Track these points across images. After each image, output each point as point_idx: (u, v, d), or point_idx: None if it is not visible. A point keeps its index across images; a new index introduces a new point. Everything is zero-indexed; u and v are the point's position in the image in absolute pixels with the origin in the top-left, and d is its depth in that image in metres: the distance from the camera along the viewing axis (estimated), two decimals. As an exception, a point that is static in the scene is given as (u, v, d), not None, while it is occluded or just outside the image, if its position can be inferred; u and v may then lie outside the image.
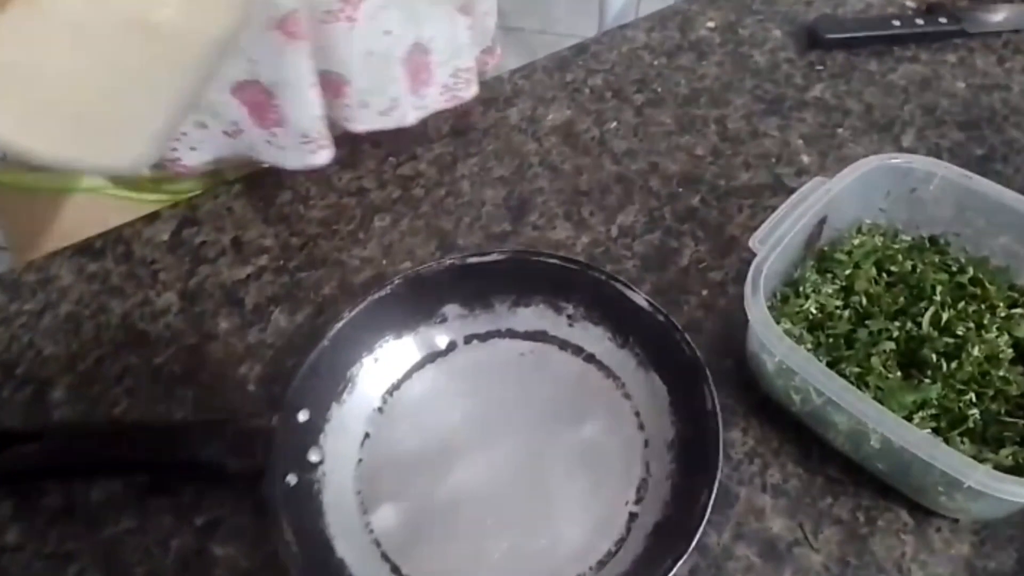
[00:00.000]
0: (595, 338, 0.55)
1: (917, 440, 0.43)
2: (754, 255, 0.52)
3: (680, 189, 0.66)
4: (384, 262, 0.63)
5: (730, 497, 0.50)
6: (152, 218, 0.66)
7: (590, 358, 0.55)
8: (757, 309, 0.48)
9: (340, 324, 0.52)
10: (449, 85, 0.68)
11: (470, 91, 0.70)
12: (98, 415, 0.54)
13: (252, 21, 0.51)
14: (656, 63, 0.77)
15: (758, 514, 0.49)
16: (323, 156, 0.64)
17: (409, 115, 0.67)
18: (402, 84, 0.64)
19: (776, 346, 0.47)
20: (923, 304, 0.53)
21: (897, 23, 0.77)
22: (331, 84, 0.62)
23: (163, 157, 0.63)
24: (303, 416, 0.49)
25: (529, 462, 0.51)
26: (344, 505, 0.48)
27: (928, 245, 0.58)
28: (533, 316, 0.56)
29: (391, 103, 0.65)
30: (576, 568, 0.46)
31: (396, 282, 0.54)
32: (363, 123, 0.65)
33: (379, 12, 0.60)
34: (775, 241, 0.51)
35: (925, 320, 0.53)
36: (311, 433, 0.49)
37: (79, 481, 0.51)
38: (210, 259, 0.63)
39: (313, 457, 0.49)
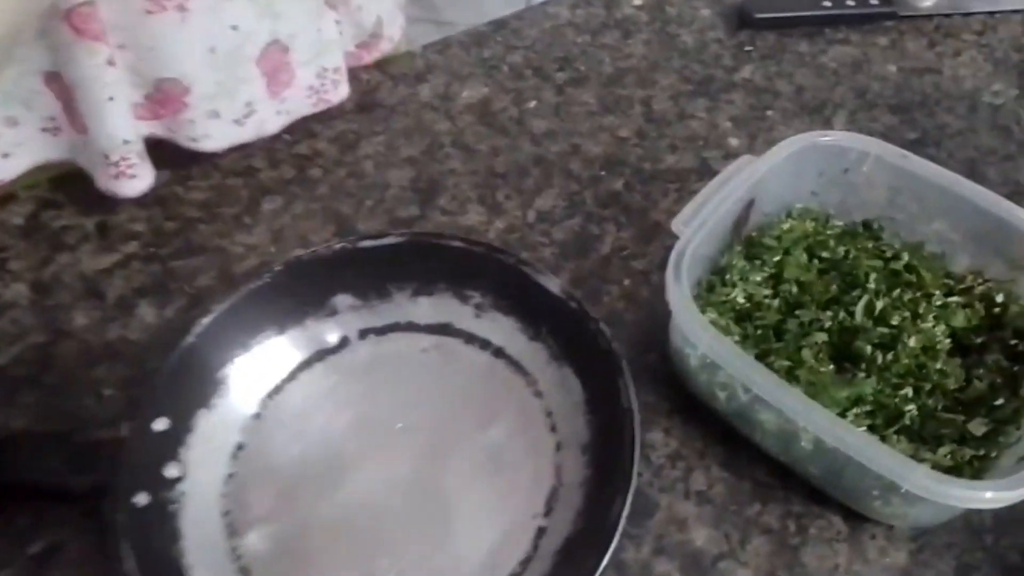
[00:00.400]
0: (504, 330, 0.50)
1: (851, 439, 0.39)
2: (677, 240, 0.47)
3: (603, 172, 0.62)
4: (272, 249, 0.56)
5: (650, 506, 0.45)
6: (6, 200, 0.57)
7: (499, 352, 0.49)
8: (679, 297, 0.43)
9: (209, 319, 0.45)
10: (315, 87, 0.60)
11: (339, 92, 0.62)
12: (-78, 425, 0.46)
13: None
14: (580, 40, 0.72)
15: (680, 525, 0.44)
16: (129, 187, 0.54)
17: (269, 123, 0.59)
18: (257, 86, 0.56)
19: (699, 337, 0.42)
20: (856, 292, 0.50)
21: (828, 4, 0.74)
22: (168, 96, 0.52)
23: None
24: (160, 425, 0.42)
25: (427, 472, 0.45)
26: (207, 528, 0.41)
27: (861, 230, 0.54)
28: (436, 306, 0.50)
29: (246, 109, 0.56)
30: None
31: (277, 269, 0.48)
32: (215, 139, 0.56)
33: (221, 3, 0.51)
34: (699, 223, 0.47)
35: (859, 309, 0.49)
36: (169, 445, 0.42)
37: None
38: (70, 245, 0.55)
39: (171, 472, 0.42)
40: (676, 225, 0.47)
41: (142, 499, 0.39)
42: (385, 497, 0.44)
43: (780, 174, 0.51)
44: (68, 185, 0.58)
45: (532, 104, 0.66)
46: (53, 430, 0.45)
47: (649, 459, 0.46)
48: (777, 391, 0.41)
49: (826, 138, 0.52)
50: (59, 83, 0.50)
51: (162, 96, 0.52)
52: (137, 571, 0.36)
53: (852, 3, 0.74)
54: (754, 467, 0.46)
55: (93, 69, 0.48)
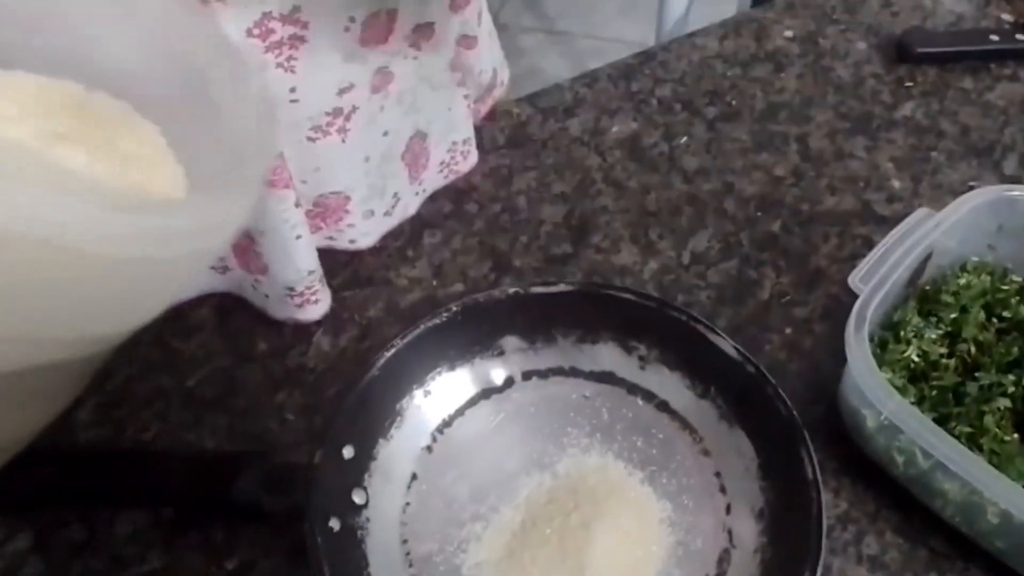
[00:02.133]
0: (670, 384, 0.50)
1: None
2: (849, 292, 0.46)
3: (759, 213, 0.61)
4: (435, 283, 0.58)
5: (822, 569, 0.44)
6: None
7: (663, 406, 0.50)
8: (861, 359, 0.43)
9: (391, 352, 0.47)
10: (447, 161, 0.61)
11: (469, 162, 0.63)
12: (125, 439, 0.50)
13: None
14: (730, 74, 0.71)
15: (853, 590, 0.44)
16: (312, 312, 0.54)
17: (411, 206, 0.60)
18: (402, 178, 0.57)
19: (882, 400, 0.42)
20: (1042, 355, 0.48)
21: (995, 38, 0.71)
22: (328, 209, 0.54)
23: None
24: (348, 452, 0.44)
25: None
26: (389, 555, 0.44)
27: (1044, 286, 0.52)
28: (600, 355, 0.50)
29: (393, 200, 0.58)
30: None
31: (453, 309, 0.49)
32: (370, 235, 0.58)
33: (376, 116, 0.52)
34: (880, 280, 0.46)
35: (1045, 374, 0.47)
36: (356, 472, 0.45)
37: (102, 512, 0.47)
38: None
39: (357, 499, 0.44)
40: (853, 282, 0.46)
41: (335, 524, 0.42)
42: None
43: (959, 228, 0.50)
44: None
45: (683, 140, 0.66)
46: (246, 451, 0.49)
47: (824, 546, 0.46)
48: (964, 462, 0.40)
49: (1013, 192, 0.50)
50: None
51: (323, 210, 0.54)
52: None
53: (1022, 37, 0.71)
54: (930, 535, 0.45)
55: (282, 214, 0.49)
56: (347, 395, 0.46)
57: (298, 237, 0.50)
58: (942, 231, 0.48)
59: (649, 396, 0.50)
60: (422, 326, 0.49)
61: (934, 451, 0.40)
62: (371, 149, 0.53)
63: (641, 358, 0.50)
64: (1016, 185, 0.51)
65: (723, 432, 0.47)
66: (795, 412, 0.44)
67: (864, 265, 0.47)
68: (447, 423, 0.49)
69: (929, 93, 0.69)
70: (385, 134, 0.53)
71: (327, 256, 0.57)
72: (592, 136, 0.67)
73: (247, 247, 0.51)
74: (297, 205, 0.50)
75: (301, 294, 0.53)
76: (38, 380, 0.30)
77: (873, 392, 0.42)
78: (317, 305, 0.55)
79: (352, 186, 0.54)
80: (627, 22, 2.02)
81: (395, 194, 0.57)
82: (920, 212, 0.49)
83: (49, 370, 0.29)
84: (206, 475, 0.45)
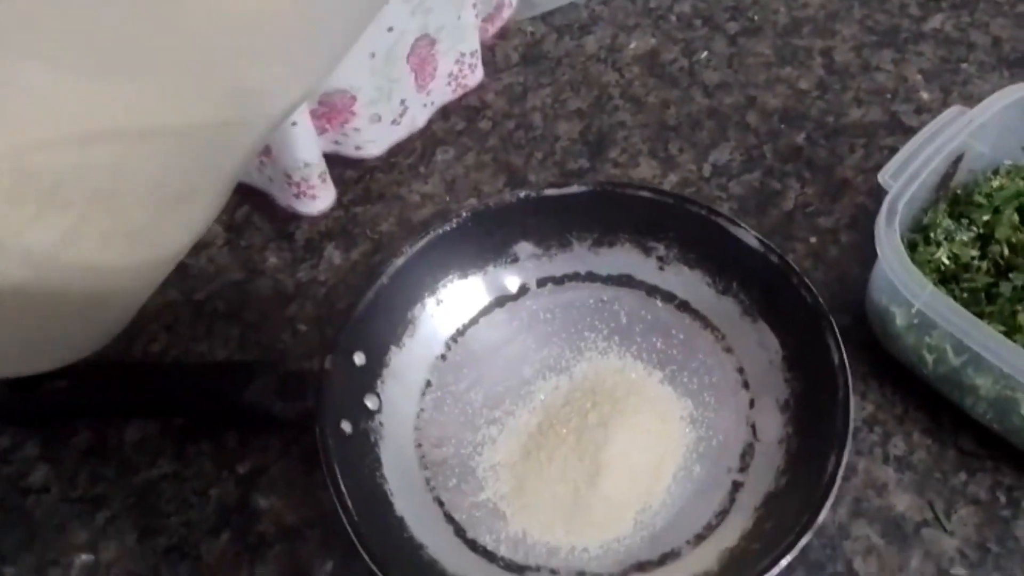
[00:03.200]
0: (690, 283, 0.48)
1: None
2: (876, 201, 0.45)
3: (782, 126, 0.59)
4: (447, 198, 0.56)
5: (846, 469, 0.42)
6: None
7: (683, 306, 0.48)
8: (893, 251, 0.41)
9: (401, 260, 0.46)
10: (455, 73, 0.59)
11: (476, 76, 0.61)
12: (135, 351, 0.50)
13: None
14: (751, -10, 0.69)
15: (879, 489, 0.42)
16: (309, 205, 0.54)
17: (419, 117, 0.58)
18: (408, 83, 0.55)
19: (915, 292, 0.40)
20: (1078, 256, 0.46)
21: (1031, -53, 0.67)
22: (334, 108, 0.52)
23: None
24: (359, 359, 0.43)
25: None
26: (403, 459, 0.43)
27: (1081, 189, 0.49)
28: (617, 257, 0.49)
29: (401, 108, 0.56)
30: (673, 540, 0.40)
31: (464, 215, 0.48)
32: (377, 143, 0.56)
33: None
34: (911, 175, 0.44)
35: (1082, 273, 0.45)
36: (368, 378, 0.44)
37: (112, 421, 0.46)
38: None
39: (370, 404, 0.43)
40: (883, 178, 0.45)
41: (347, 427, 0.41)
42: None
43: (992, 128, 0.48)
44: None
45: (703, 55, 0.64)
46: (257, 359, 0.48)
47: (851, 428, 0.44)
48: (1001, 349, 0.38)
49: (1049, 87, 0.47)
50: None
51: (328, 109, 0.53)
52: (349, 494, 0.37)
53: (1058, -54, 0.67)
54: (959, 435, 0.44)
55: None
56: (357, 303, 0.45)
57: (294, 124, 0.49)
58: (975, 128, 0.46)
59: (669, 297, 0.49)
60: (432, 233, 0.47)
61: (969, 340, 0.39)
62: (376, 45, 0.51)
63: (660, 258, 0.49)
64: (1053, 80, 0.48)
65: (746, 327, 0.46)
66: (821, 300, 0.43)
67: (895, 162, 0.45)
68: (461, 332, 0.48)
69: (959, 5, 0.66)
70: (390, 30, 0.51)
71: (338, 167, 0.56)
72: (609, 53, 0.65)
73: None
74: None
75: (298, 184, 0.53)
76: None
77: (905, 284, 0.40)
78: (314, 201, 0.54)
79: (357, 85, 0.52)
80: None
81: (402, 101, 0.56)
82: (953, 110, 0.47)
83: None
84: (217, 383, 0.45)
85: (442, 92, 0.60)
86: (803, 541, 0.35)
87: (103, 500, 0.44)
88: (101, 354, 0.49)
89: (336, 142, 0.55)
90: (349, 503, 0.37)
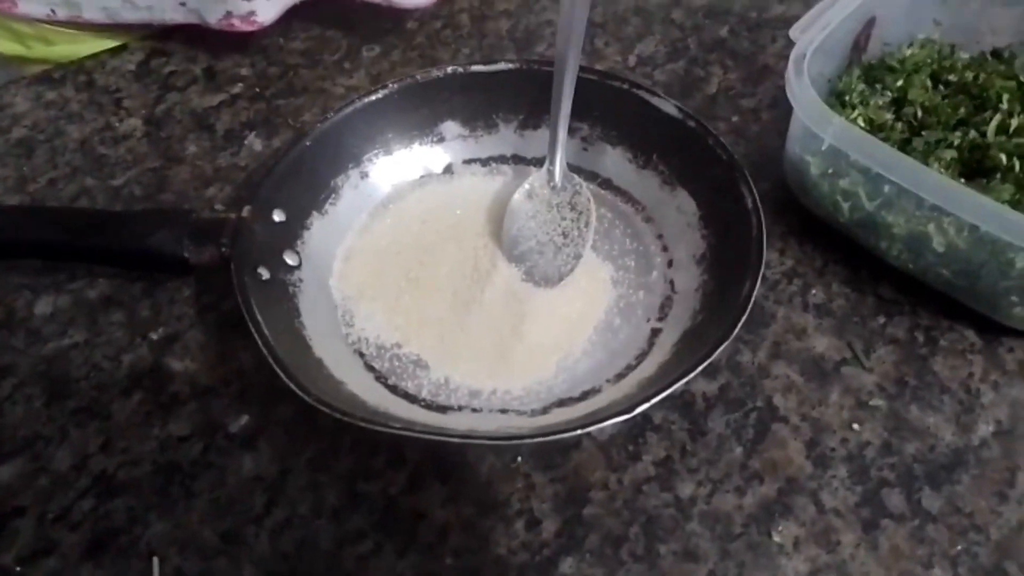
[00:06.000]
0: (612, 160, 0.48)
1: (997, 210, 0.36)
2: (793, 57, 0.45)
3: (706, 21, 0.60)
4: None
5: (765, 317, 0.43)
6: (118, 50, 0.59)
7: (606, 184, 0.48)
8: (802, 91, 0.41)
9: (324, 125, 0.46)
10: None
11: None
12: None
13: None
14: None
15: (799, 333, 0.43)
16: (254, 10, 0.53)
17: None
18: None
19: (825, 128, 0.41)
20: (987, 114, 0.47)
21: None
22: None
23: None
24: (279, 216, 0.43)
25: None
26: (322, 315, 0.42)
27: (990, 59, 0.51)
28: (543, 140, 0.49)
29: None
30: (594, 381, 0.40)
31: (390, 86, 0.47)
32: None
33: None
34: (818, 28, 0.44)
35: (991, 128, 0.46)
36: (287, 236, 0.43)
37: (19, 295, 0.44)
38: (180, 87, 0.56)
39: (289, 260, 0.42)
40: (793, 32, 0.45)
41: (264, 273, 0.40)
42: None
43: (902, -5, 0.49)
44: (174, 40, 0.59)
45: (630, -39, 0.65)
46: (168, 208, 0.46)
47: (763, 273, 0.45)
48: (916, 172, 0.39)
49: (955, -46, 0.49)
50: None
51: None
52: (262, 321, 0.36)
53: None
54: (878, 283, 0.44)
55: None
56: (279, 161, 0.44)
57: None
58: (883, -12, 0.47)
59: (592, 176, 0.49)
60: (358, 102, 0.47)
61: (876, 164, 0.39)
62: None
63: (584, 139, 0.49)
64: (959, -52, 0.50)
65: (665, 196, 0.46)
66: (735, 155, 0.43)
67: (805, 19, 0.45)
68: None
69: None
70: None
71: (262, 64, 0.55)
72: (537, -39, 0.65)
73: None
74: None
75: None
76: None
77: (816, 120, 0.41)
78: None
79: None
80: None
81: None
82: (862, -27, 0.48)
83: None
84: (127, 228, 0.43)
85: None
86: (718, 351, 0.35)
87: (9, 369, 0.42)
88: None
89: None
90: (266, 331, 0.36)
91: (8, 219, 0.43)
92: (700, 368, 0.34)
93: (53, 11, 0.56)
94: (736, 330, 0.36)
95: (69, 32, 0.58)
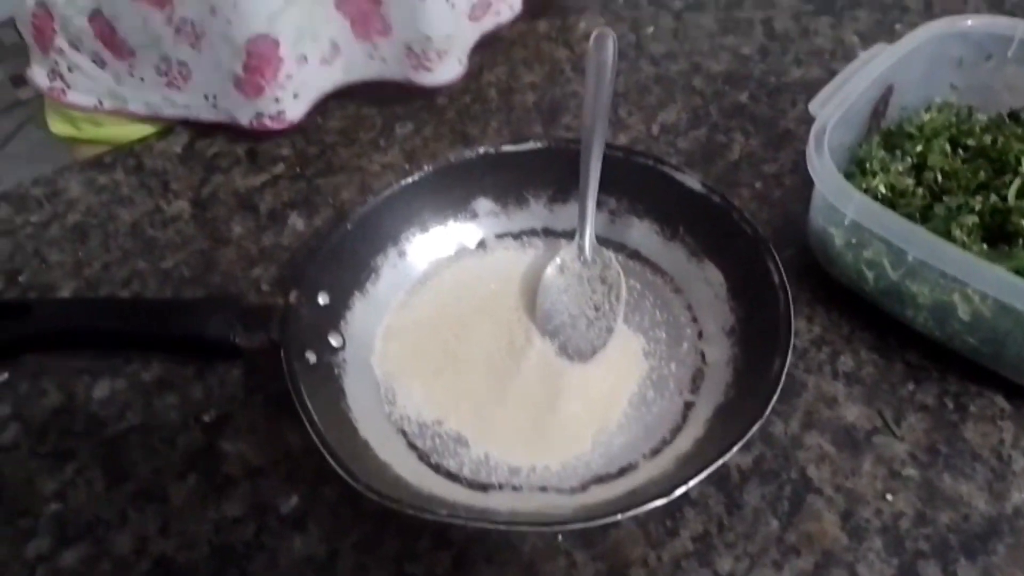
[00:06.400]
0: (640, 233, 0.50)
1: (1018, 285, 0.37)
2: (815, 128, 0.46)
3: (726, 87, 0.61)
4: (407, 167, 0.58)
5: (796, 386, 0.44)
6: (164, 133, 0.62)
7: (634, 255, 0.50)
8: (823, 168, 0.43)
9: (365, 208, 0.48)
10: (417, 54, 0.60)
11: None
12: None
13: None
14: (694, -29, 0.72)
15: (829, 402, 0.44)
16: (426, 76, 0.58)
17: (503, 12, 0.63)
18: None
19: (846, 204, 0.42)
20: (1007, 177, 0.48)
21: (954, -80, 0.71)
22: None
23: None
24: (323, 299, 0.45)
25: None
26: (366, 394, 0.44)
27: (1008, 121, 0.52)
28: (572, 213, 0.50)
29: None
30: (630, 456, 0.41)
31: (426, 170, 0.50)
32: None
33: None
34: (837, 103, 0.46)
35: (1011, 191, 0.47)
36: (331, 317, 0.45)
37: (80, 379, 0.47)
38: (224, 168, 0.59)
39: (334, 342, 0.44)
40: (813, 106, 0.47)
41: (311, 357, 0.42)
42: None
43: (918, 63, 0.50)
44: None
45: (650, 30, 0.67)
46: (220, 295, 0.49)
47: (793, 345, 0.46)
48: (935, 248, 0.40)
49: (967, 22, 0.50)
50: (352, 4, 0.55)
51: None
52: (311, 409, 0.38)
53: (980, -82, 0.71)
54: (905, 350, 0.45)
55: None
56: (321, 245, 0.46)
57: None
58: (899, 59, 0.48)
59: (620, 248, 0.50)
60: (396, 185, 0.49)
61: (898, 239, 0.40)
62: None
63: (611, 212, 0.51)
64: (969, 15, 0.51)
65: (692, 268, 0.48)
66: (760, 229, 0.44)
67: (823, 93, 0.47)
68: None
69: (891, -25, 0.70)
70: None
71: (300, 143, 0.57)
72: (560, 32, 0.68)
73: (368, 12, 0.56)
74: None
75: (417, 56, 0.57)
76: None
77: (836, 196, 0.42)
78: (431, 73, 0.58)
79: None
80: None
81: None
82: (877, 46, 0.50)
83: None
84: (180, 316, 0.45)
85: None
86: (753, 429, 0.36)
87: (72, 454, 0.44)
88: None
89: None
90: (316, 420, 0.38)
91: (67, 311, 0.46)
92: (735, 449, 0.36)
93: (100, 102, 0.60)
94: (768, 410, 0.37)
95: (120, 120, 0.62)
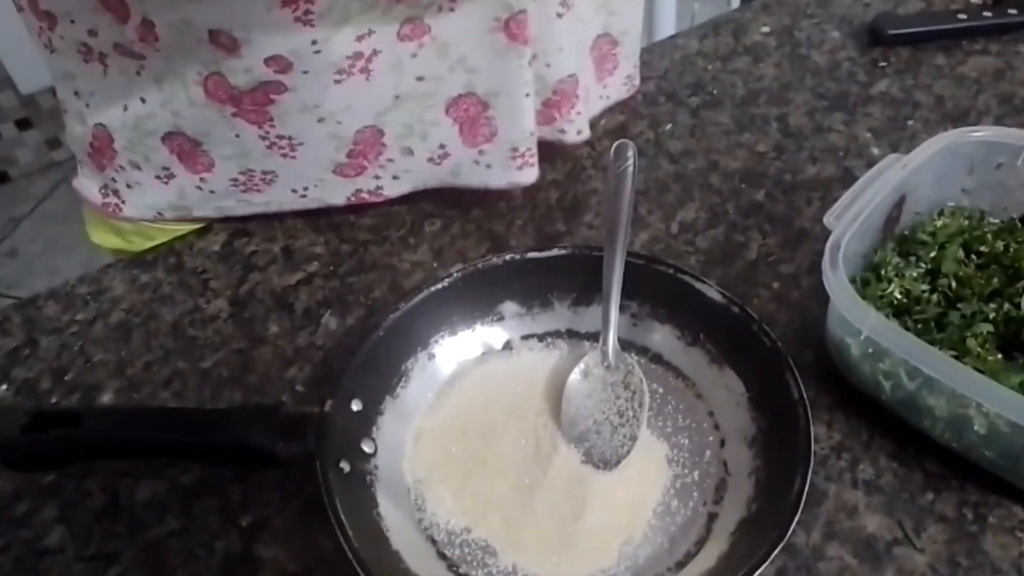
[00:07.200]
0: (662, 337, 0.52)
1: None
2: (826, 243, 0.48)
3: (743, 185, 0.64)
4: (435, 265, 0.61)
5: (817, 494, 0.45)
6: (204, 231, 0.65)
7: (656, 359, 0.52)
8: (838, 284, 0.44)
9: (396, 315, 0.50)
10: (631, 75, 0.69)
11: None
12: (146, 419, 0.53)
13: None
14: (711, 68, 0.75)
15: (850, 512, 0.44)
16: (530, 174, 0.61)
17: (595, 106, 0.68)
18: (589, 73, 0.63)
19: (862, 321, 0.43)
20: (1021, 285, 0.49)
21: (964, 17, 0.74)
22: (564, 96, 0.60)
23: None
24: (356, 406, 0.47)
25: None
26: (397, 500, 0.45)
27: (1020, 226, 0.53)
28: (595, 316, 0.52)
29: (604, 92, 0.66)
30: (655, 568, 0.42)
31: (454, 275, 0.52)
32: (584, 130, 0.64)
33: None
34: (852, 217, 0.48)
35: (1024, 301, 0.48)
36: (364, 424, 0.47)
37: (123, 482, 0.49)
38: (261, 267, 0.62)
39: (366, 448, 0.46)
40: (828, 219, 0.48)
41: (345, 466, 0.44)
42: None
43: (930, 171, 0.52)
44: (255, 219, 0.65)
45: (668, 127, 0.69)
46: (260, 404, 0.51)
47: (812, 459, 0.47)
48: (949, 368, 0.41)
49: (976, 133, 0.52)
50: (463, 104, 0.57)
51: (559, 98, 0.60)
52: (346, 523, 0.40)
53: (988, 15, 0.74)
54: (924, 458, 0.46)
55: (518, 70, 0.55)
56: (355, 353, 0.48)
57: (527, 95, 0.56)
58: (911, 170, 0.50)
59: (643, 351, 0.52)
60: (425, 291, 0.51)
61: (912, 359, 0.41)
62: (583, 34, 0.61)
63: (633, 315, 0.52)
64: (978, 127, 0.53)
65: (713, 374, 0.49)
66: (779, 343, 0.46)
67: (838, 205, 0.49)
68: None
69: (903, 71, 0.72)
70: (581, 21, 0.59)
71: (334, 242, 0.60)
72: (581, 130, 0.70)
73: (476, 117, 0.57)
74: (530, 64, 0.56)
75: (523, 155, 0.60)
76: None
77: (852, 314, 0.44)
78: (533, 168, 0.61)
79: (579, 70, 0.61)
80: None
81: (586, 87, 0.63)
82: (890, 157, 0.52)
83: None
84: (221, 426, 0.47)
85: (618, 90, 0.71)
86: (776, 550, 0.37)
87: (115, 557, 0.46)
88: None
89: (560, 131, 0.62)
90: (350, 533, 0.39)
91: (117, 421, 0.48)
92: (760, 570, 0.37)
93: (160, 214, 0.62)
94: (791, 529, 0.38)
95: (169, 228, 0.64)
